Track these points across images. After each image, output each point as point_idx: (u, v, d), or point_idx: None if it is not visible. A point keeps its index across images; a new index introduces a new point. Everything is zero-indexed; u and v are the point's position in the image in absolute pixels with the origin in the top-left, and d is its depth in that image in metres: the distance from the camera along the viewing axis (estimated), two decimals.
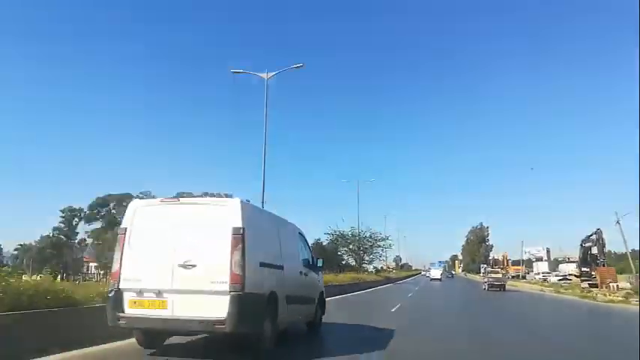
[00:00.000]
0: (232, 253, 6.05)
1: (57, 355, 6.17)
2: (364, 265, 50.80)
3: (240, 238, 6.14)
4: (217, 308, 5.91)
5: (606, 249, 35.86)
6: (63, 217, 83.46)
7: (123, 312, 6.25)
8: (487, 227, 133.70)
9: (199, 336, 7.53)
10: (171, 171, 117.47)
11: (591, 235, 35.51)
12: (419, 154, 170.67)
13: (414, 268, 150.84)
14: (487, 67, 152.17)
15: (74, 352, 6.49)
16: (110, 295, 6.40)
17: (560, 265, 66.38)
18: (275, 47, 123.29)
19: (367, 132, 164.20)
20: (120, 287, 6.32)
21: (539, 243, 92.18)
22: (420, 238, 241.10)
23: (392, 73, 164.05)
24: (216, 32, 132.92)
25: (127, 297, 6.30)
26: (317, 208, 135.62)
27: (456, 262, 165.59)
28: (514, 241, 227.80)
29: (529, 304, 24.10)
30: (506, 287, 38.10)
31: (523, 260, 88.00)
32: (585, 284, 34.29)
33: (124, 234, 6.59)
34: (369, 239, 49.24)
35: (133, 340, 6.95)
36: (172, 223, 6.49)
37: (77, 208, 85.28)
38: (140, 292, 6.23)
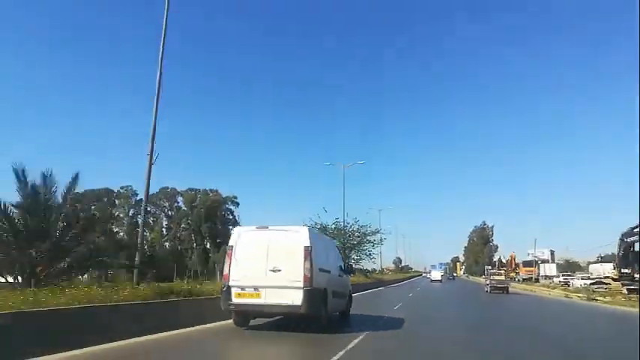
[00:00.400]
0: (304, 262, 9.31)
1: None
2: (351, 265, 40.04)
3: (308, 253, 9.39)
4: (295, 298, 9.15)
5: None
6: None
7: (231, 301, 9.51)
8: (491, 227, 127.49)
9: (275, 318, 10.94)
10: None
11: (636, 228, 27.65)
12: (422, 153, 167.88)
13: (414, 270, 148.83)
14: (496, 63, 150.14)
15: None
16: (223, 289, 9.66)
17: (592, 266, 58.15)
18: None
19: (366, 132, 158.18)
20: (229, 285, 9.56)
21: (541, 245, 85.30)
22: (422, 241, 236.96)
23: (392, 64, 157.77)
24: None
25: (234, 291, 9.51)
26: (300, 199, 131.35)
27: (458, 263, 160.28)
28: (518, 242, 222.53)
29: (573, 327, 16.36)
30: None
31: (535, 261, 79.97)
32: (624, 289, 28.50)
33: (231, 250, 9.87)
34: (357, 233, 40.72)
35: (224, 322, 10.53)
36: (264, 242, 9.68)
37: None
38: (242, 288, 9.47)
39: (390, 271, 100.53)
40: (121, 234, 65.88)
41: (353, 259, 39.97)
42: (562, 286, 44.06)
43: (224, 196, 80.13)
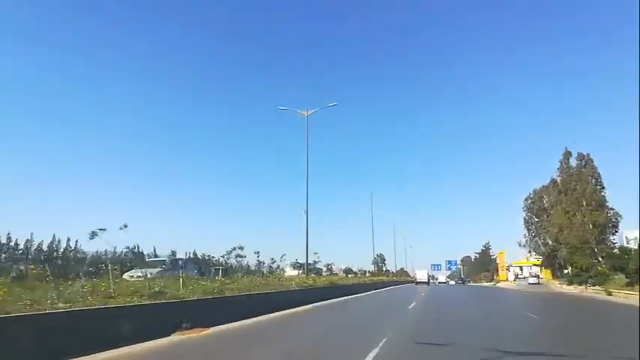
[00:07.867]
0: (427, 275, 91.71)
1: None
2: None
3: (427, 274, 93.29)
4: (425, 280, 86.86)
5: None
6: None
7: (415, 281, 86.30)
8: None
9: (421, 284, 77.49)
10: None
11: None
12: (434, 158, 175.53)
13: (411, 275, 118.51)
14: (507, 70, 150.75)
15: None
16: (415, 279, 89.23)
17: None
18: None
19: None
20: (416, 277, 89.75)
21: None
22: (422, 242, 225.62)
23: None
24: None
25: (416, 279, 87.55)
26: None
27: (501, 254, 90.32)
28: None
29: None
30: None
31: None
32: None
33: (415, 272, 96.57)
34: None
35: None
36: (421, 272, 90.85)
37: None
38: (417, 279, 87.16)
39: (370, 272, 75.90)
40: None
41: None
42: None
43: None
